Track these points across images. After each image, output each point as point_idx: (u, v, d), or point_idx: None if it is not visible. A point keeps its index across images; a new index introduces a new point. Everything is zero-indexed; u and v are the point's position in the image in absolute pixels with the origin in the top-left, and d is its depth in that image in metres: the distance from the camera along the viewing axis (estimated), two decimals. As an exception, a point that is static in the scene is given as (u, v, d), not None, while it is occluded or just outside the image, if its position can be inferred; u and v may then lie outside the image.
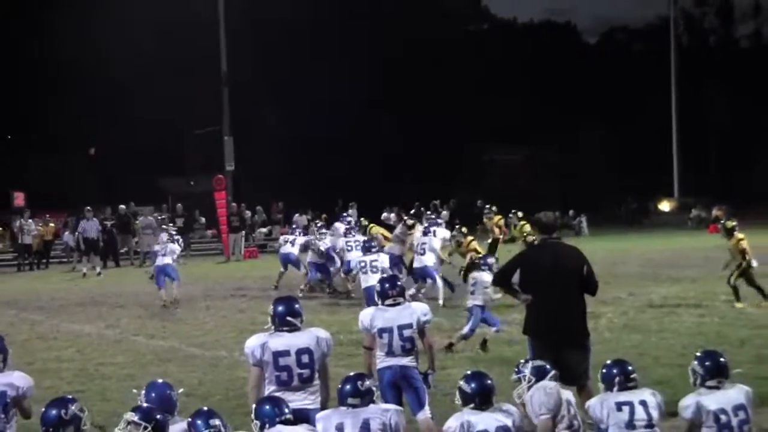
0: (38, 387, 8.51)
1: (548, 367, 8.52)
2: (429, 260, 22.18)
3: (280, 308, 8.80)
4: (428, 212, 32.01)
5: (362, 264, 19.30)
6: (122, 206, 39.42)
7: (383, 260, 19.20)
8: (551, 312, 10.16)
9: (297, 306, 8.88)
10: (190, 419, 7.28)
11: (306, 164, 58.19)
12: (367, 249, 19.97)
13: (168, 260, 23.92)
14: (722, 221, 20.43)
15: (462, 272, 23.00)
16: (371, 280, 18.11)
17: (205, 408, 7.52)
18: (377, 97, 60.60)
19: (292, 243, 25.59)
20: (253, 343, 8.70)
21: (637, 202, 58.59)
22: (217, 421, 7.19)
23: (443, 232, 24.12)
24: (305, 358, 8.60)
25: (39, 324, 21.07)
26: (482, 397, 7.82)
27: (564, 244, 10.85)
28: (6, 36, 51.90)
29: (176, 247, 24.95)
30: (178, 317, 21.25)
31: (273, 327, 8.74)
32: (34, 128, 52.53)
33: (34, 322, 21.14)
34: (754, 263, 19.82)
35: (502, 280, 10.90)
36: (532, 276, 10.36)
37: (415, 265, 22.32)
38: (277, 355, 8.57)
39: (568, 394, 8.43)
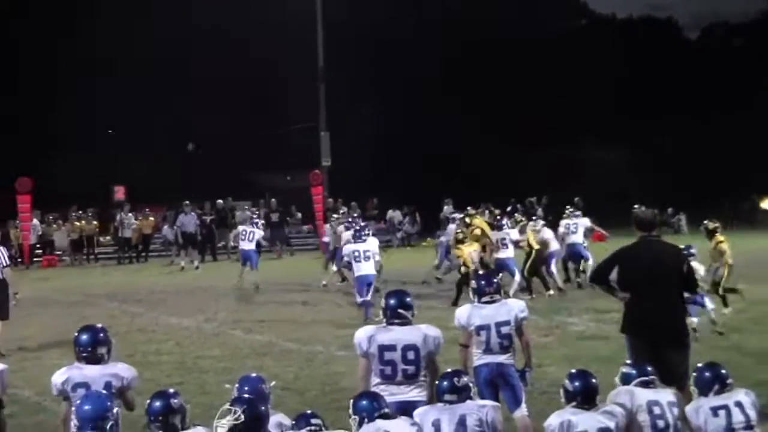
0: (139, 379, 8.59)
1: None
2: (509, 253, 22.56)
3: (391, 301, 8.89)
4: (521, 209, 31.63)
5: (356, 253, 19.77)
6: (220, 201, 39.78)
7: (374, 248, 20.14)
8: (650, 310, 10.02)
9: (408, 299, 8.94)
10: (293, 421, 7.35)
11: (401, 160, 58.14)
12: (358, 237, 20.39)
13: (252, 246, 25.62)
14: (704, 222, 19.70)
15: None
16: (364, 268, 19.51)
17: (308, 411, 7.58)
18: (472, 95, 60.47)
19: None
20: (361, 334, 8.81)
21: (743, 200, 57.52)
22: (317, 420, 7.30)
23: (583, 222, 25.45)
24: (411, 355, 8.62)
25: (139, 316, 21.36)
26: (585, 396, 7.72)
27: (663, 241, 10.72)
28: (112, 32, 52.63)
29: (260, 232, 26.62)
30: (275, 312, 21.37)
31: (384, 320, 8.81)
32: (135, 123, 53.20)
33: (134, 315, 21.44)
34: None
35: (598, 278, 10.82)
36: (630, 274, 10.25)
37: (500, 256, 22.44)
38: (383, 348, 8.64)
39: (660, 394, 8.23)
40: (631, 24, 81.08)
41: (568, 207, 26.85)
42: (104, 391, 7.71)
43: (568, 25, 76.16)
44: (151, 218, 39.78)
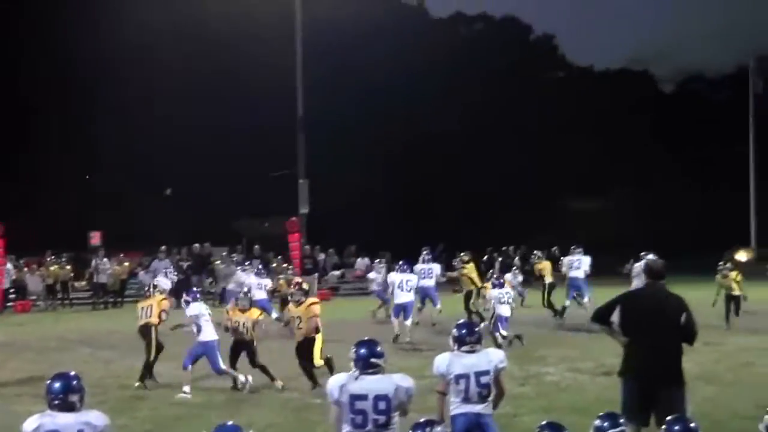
0: (112, 427, 8.52)
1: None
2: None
3: (362, 350, 8.86)
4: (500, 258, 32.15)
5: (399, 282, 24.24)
6: (196, 245, 39.71)
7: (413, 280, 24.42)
8: (648, 354, 10.36)
9: (379, 348, 8.91)
10: None
11: (380, 207, 58.26)
12: (402, 270, 24.79)
13: (263, 294, 27.46)
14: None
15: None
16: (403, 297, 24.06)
17: None
18: (450, 141, 60.79)
19: None
20: (333, 383, 8.81)
21: (715, 252, 57.61)
22: None
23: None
24: (382, 405, 8.60)
25: (113, 363, 21.25)
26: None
27: (667, 291, 10.91)
28: (83, 82, 52.69)
29: (268, 281, 28.28)
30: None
31: (357, 370, 8.78)
32: (111, 168, 53.14)
33: (108, 361, 21.32)
34: None
35: (600, 318, 11.05)
36: (632, 317, 10.62)
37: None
38: (354, 398, 8.61)
39: None
40: (608, 76, 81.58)
41: (573, 246, 28.96)
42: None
43: (547, 77, 76.61)
44: (126, 263, 39.65)
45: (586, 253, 28.56)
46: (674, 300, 10.76)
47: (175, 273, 35.81)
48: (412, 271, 25.08)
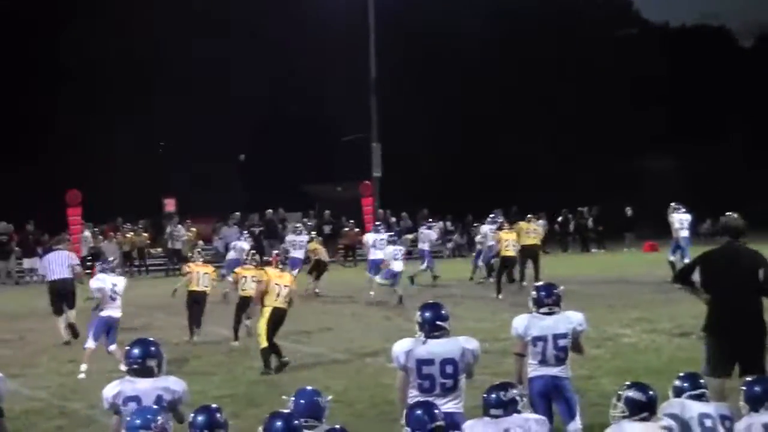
0: (189, 392, 8.57)
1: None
2: None
3: (427, 314, 8.78)
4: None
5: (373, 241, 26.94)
6: (269, 210, 39.91)
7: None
8: (727, 311, 10.52)
9: (444, 311, 8.84)
10: None
11: (452, 170, 58.01)
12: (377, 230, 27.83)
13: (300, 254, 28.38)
14: None
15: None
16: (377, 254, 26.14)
17: (337, 426, 7.54)
18: (524, 103, 60.29)
19: None
20: (399, 348, 8.73)
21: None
22: None
23: None
24: (449, 369, 8.56)
25: (189, 328, 21.38)
26: (642, 408, 7.56)
27: (745, 247, 11.02)
28: (157, 53, 52.98)
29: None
30: (324, 323, 21.34)
31: (422, 333, 8.72)
32: (185, 136, 53.39)
33: (184, 327, 21.44)
34: None
35: (682, 278, 11.30)
36: (710, 276, 10.81)
37: None
38: (421, 363, 8.57)
39: (713, 407, 8.10)
40: (683, 33, 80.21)
41: (673, 204, 27.86)
42: (155, 406, 7.70)
43: (620, 34, 75.47)
44: (193, 229, 39.81)
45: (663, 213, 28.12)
46: (750, 256, 10.83)
47: (249, 239, 35.93)
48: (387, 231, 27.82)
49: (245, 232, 31.94)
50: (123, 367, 14.89)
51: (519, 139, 58.67)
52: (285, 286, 16.24)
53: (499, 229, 28.01)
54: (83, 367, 15.99)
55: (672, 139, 63.34)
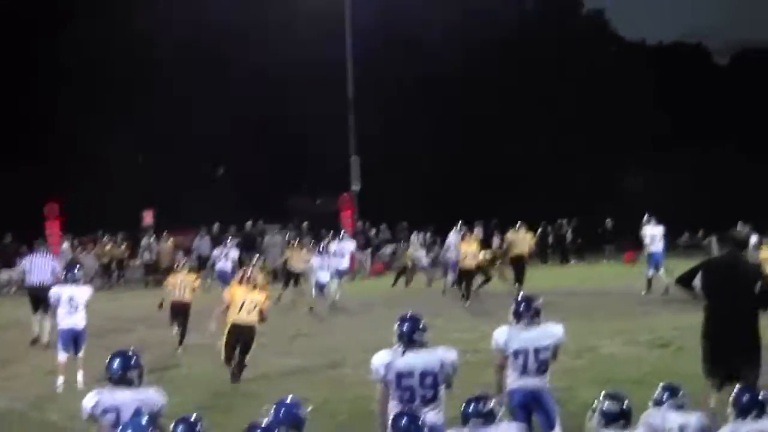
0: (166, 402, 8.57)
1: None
2: None
3: (405, 326, 8.79)
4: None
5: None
6: (248, 222, 39.95)
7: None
8: (724, 318, 10.92)
9: (422, 323, 8.84)
10: None
11: (432, 182, 58.00)
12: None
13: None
14: None
15: None
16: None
17: None
18: (497, 116, 60.31)
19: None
20: (378, 361, 8.74)
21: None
22: None
23: None
24: (429, 380, 8.58)
25: (168, 341, 21.36)
26: (620, 417, 7.66)
27: (745, 260, 11.62)
28: (138, 63, 52.87)
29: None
30: (304, 334, 21.34)
31: (400, 345, 8.72)
32: (164, 148, 53.29)
33: (163, 338, 21.42)
34: None
35: (683, 281, 11.59)
36: (711, 282, 11.16)
37: None
38: (401, 375, 8.58)
39: (692, 418, 8.15)
40: (661, 50, 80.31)
41: (647, 216, 28.12)
42: (144, 420, 7.68)
43: (599, 52, 75.56)
44: (169, 242, 39.77)
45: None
46: (752, 269, 11.47)
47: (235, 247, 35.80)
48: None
49: (229, 239, 31.90)
50: (80, 379, 14.89)
51: (500, 149, 58.69)
52: (251, 300, 16.20)
53: (462, 239, 28.40)
54: (60, 379, 15.93)
55: (654, 150, 63.54)
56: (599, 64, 66.90)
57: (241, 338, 16.15)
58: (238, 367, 16.17)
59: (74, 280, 16.56)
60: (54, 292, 16.47)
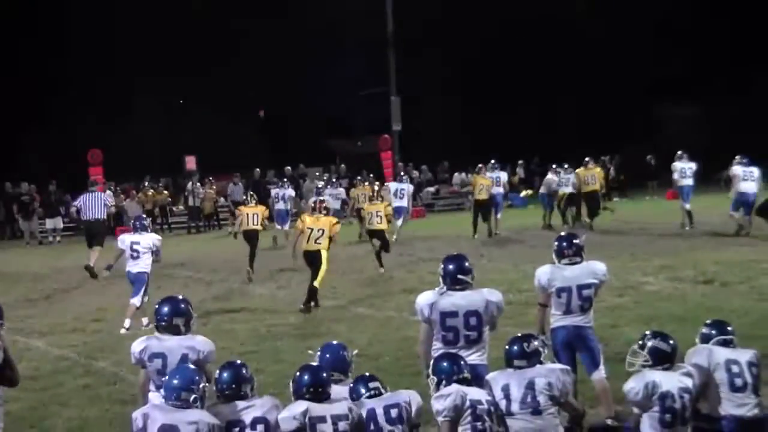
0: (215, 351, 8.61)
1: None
2: None
3: (450, 266, 8.76)
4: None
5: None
6: (288, 168, 39.98)
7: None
8: None
9: (467, 263, 8.81)
10: (351, 384, 7.42)
11: (471, 122, 57.72)
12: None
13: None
14: None
15: None
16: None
17: (366, 373, 7.65)
18: (538, 52, 59.71)
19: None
20: (422, 300, 8.69)
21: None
22: (376, 383, 7.36)
23: None
24: (473, 321, 8.54)
25: (212, 285, 21.50)
26: (664, 357, 7.74)
27: None
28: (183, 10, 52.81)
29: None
30: (347, 278, 21.36)
31: (444, 286, 8.72)
32: (205, 92, 53.32)
33: (208, 283, 21.58)
34: None
35: (764, 210, 11.72)
36: None
37: None
38: (445, 315, 8.55)
39: (740, 354, 8.15)
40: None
41: (679, 152, 28.09)
42: (192, 366, 7.74)
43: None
44: (214, 187, 39.94)
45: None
46: None
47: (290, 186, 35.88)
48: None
49: (284, 181, 32.24)
50: (141, 322, 15.23)
51: (540, 87, 58.19)
52: (318, 229, 17.69)
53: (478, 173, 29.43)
54: (126, 322, 16.28)
55: (695, 85, 62.67)
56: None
57: (311, 265, 17.61)
58: (306, 300, 17.43)
59: (142, 228, 17.10)
60: (121, 239, 17.14)
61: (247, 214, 22.87)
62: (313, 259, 17.60)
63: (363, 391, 7.34)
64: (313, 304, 17.43)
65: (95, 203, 23.16)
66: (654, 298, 16.28)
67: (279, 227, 29.16)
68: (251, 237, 22.55)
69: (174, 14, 52.45)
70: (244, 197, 26.06)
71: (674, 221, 27.28)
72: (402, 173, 31.11)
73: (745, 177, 24.72)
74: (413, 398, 7.34)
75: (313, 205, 18.90)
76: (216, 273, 23.63)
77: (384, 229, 22.87)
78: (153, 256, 16.89)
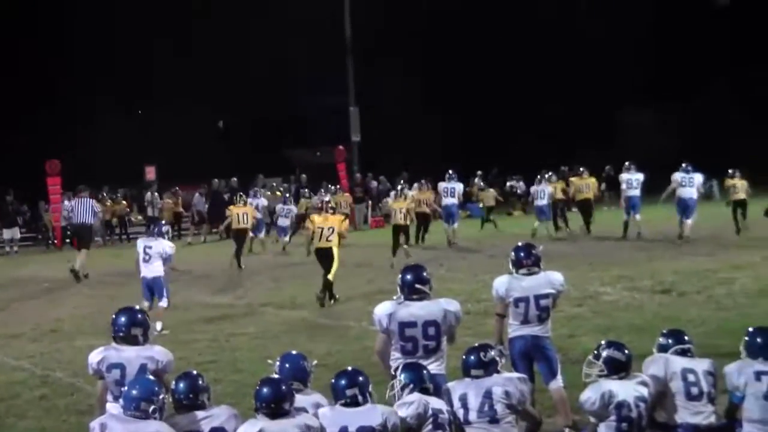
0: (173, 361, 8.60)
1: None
2: None
3: (408, 276, 8.78)
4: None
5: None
6: (234, 179, 39.81)
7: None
8: None
9: (425, 273, 8.82)
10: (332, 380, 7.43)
11: (432, 130, 57.76)
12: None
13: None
14: None
15: None
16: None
17: (349, 368, 7.73)
18: (498, 59, 59.87)
19: None
20: (380, 311, 8.70)
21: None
22: (354, 391, 7.35)
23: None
24: (431, 331, 8.56)
25: (171, 295, 21.39)
26: (621, 366, 7.82)
27: None
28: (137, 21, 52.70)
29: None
30: (306, 288, 21.33)
31: (402, 296, 8.73)
32: (163, 102, 53.22)
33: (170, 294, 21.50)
34: None
35: None
36: None
37: None
38: (404, 325, 8.56)
39: (696, 363, 8.23)
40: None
41: (627, 163, 28.77)
42: (151, 377, 7.74)
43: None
44: (179, 198, 39.84)
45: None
46: None
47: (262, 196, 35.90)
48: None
49: (259, 189, 34.76)
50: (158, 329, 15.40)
51: (501, 97, 58.34)
52: (329, 228, 18.89)
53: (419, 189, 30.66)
54: (158, 325, 16.06)
55: (652, 93, 63.05)
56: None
57: (323, 261, 18.74)
58: (322, 290, 18.62)
59: (158, 234, 17.34)
60: (138, 242, 17.59)
61: (237, 214, 25.37)
62: (325, 255, 18.74)
63: (340, 392, 7.32)
64: (332, 301, 18.68)
65: (84, 208, 24.99)
66: (612, 308, 16.37)
67: (252, 235, 29.12)
68: (239, 235, 25.47)
69: (138, 24, 52.39)
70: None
71: (630, 231, 27.51)
72: (450, 171, 30.92)
73: (683, 183, 26.01)
74: (390, 418, 7.19)
75: (319, 205, 20.99)
76: (174, 283, 23.51)
77: (407, 225, 25.75)
78: (164, 263, 17.00)
